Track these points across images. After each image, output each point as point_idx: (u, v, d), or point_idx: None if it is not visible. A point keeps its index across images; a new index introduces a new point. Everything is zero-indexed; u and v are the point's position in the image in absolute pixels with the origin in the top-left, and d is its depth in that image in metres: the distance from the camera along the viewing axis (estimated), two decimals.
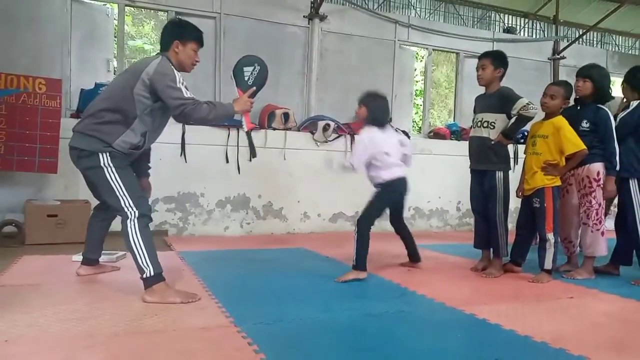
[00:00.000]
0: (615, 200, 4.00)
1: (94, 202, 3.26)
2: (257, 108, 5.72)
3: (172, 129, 4.58)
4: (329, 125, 5.83)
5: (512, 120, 3.60)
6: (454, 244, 5.22)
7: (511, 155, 3.85)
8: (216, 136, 5.42)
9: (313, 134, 5.85)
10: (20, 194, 4.74)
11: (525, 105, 3.46)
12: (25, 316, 2.39)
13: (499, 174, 3.66)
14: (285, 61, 6.20)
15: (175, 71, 2.78)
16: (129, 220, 2.74)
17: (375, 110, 3.64)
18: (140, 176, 3.27)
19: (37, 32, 5.11)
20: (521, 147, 5.11)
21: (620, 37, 8.73)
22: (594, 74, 3.66)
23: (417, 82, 10.01)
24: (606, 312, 2.81)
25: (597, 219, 3.63)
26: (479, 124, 3.72)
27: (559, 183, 3.54)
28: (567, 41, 7.93)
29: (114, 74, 5.62)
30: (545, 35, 8.04)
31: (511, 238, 3.79)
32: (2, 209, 4.70)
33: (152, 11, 7.29)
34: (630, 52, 8.79)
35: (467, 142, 3.93)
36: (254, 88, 3.04)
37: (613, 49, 8.62)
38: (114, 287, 3.01)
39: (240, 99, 2.99)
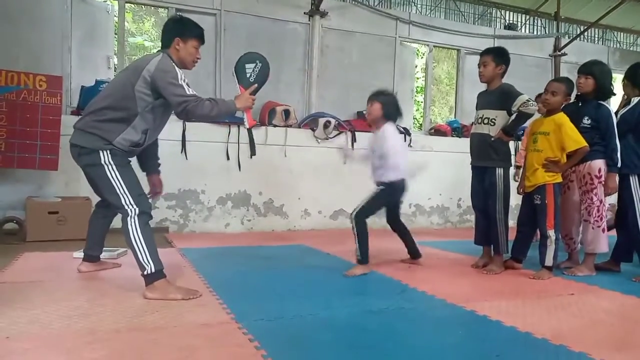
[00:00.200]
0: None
1: (95, 199, 3.26)
2: (258, 105, 5.69)
3: (172, 126, 4.57)
4: (329, 122, 5.83)
5: (513, 117, 3.59)
6: (454, 241, 5.22)
7: (512, 152, 3.84)
8: (217, 133, 5.42)
9: (314, 130, 5.84)
10: (21, 191, 4.74)
11: (525, 102, 3.45)
12: (27, 313, 2.39)
13: (499, 171, 3.65)
14: (286, 58, 6.19)
15: (176, 68, 2.78)
16: (129, 218, 2.75)
17: (390, 106, 3.62)
18: (150, 173, 3.28)
19: (37, 29, 5.11)
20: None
21: (622, 33, 8.71)
22: (595, 71, 3.64)
23: (418, 78, 10.00)
24: (607, 309, 2.81)
25: (598, 216, 3.62)
26: (480, 120, 3.72)
27: (560, 180, 3.54)
28: (569, 38, 7.91)
29: (115, 71, 5.61)
30: (547, 31, 8.02)
31: (512, 235, 3.79)
32: (3, 206, 4.71)
33: (152, 8, 7.29)
34: (631, 48, 8.77)
35: (468, 139, 3.93)
36: (256, 85, 3.04)
37: (614, 46, 8.60)
38: (115, 283, 3.01)
39: (242, 95, 2.98)
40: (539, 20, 8.05)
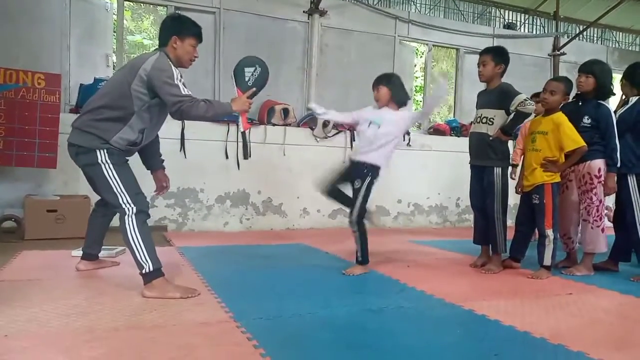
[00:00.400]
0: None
1: (94, 198, 3.26)
2: (258, 103, 5.71)
3: (171, 125, 4.57)
4: (328, 121, 5.82)
5: (511, 116, 3.59)
6: (453, 240, 5.22)
7: (510, 151, 3.84)
8: (216, 132, 5.42)
9: (313, 129, 5.84)
10: (20, 189, 4.74)
11: (522, 101, 3.45)
12: (25, 311, 2.39)
13: (497, 170, 3.65)
14: (285, 57, 6.19)
15: (173, 67, 2.76)
16: (126, 217, 2.75)
17: (399, 88, 3.56)
18: (155, 169, 3.28)
19: (36, 27, 5.09)
20: None
21: (621, 33, 8.72)
22: (596, 70, 3.64)
23: (417, 78, 9.99)
24: (605, 309, 2.81)
25: (598, 216, 3.63)
26: (479, 119, 3.72)
27: (558, 179, 3.54)
28: (568, 37, 7.91)
29: (113, 69, 5.60)
30: (546, 31, 8.02)
31: (510, 234, 3.79)
32: (2, 204, 4.70)
33: (151, 6, 7.27)
34: (630, 48, 8.78)
35: (467, 138, 3.92)
36: (254, 89, 3.01)
37: (613, 45, 8.61)
38: (114, 282, 3.01)
39: (239, 98, 2.96)
40: (538, 20, 8.06)
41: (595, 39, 8.50)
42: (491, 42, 7.02)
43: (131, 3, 6.39)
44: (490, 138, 3.63)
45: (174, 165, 5.16)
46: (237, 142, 5.46)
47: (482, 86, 3.84)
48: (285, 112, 5.77)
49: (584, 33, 8.06)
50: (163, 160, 3.31)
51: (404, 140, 6.12)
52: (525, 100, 3.46)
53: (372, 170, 3.44)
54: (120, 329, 2.20)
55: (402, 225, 6.39)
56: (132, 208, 2.76)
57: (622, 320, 2.65)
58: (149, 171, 3.30)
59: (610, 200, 4.00)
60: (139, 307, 2.52)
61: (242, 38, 5.90)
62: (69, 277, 3.15)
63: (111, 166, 2.77)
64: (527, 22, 7.99)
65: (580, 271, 3.65)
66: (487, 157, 3.67)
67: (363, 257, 3.49)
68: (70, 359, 1.87)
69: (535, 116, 3.83)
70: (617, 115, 3.66)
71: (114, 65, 5.65)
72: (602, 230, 3.64)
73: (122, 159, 2.86)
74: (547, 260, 3.50)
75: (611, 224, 3.91)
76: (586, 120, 3.61)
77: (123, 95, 2.75)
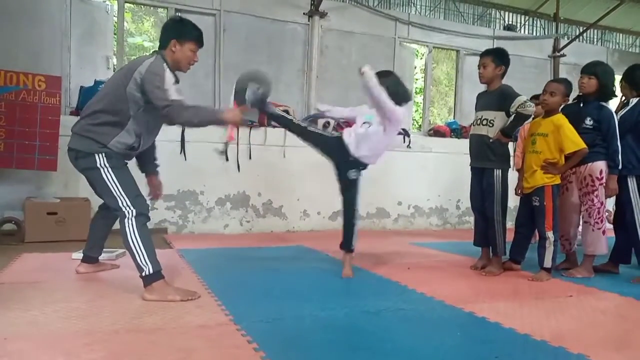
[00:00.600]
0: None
1: (94, 200, 3.27)
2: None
3: (171, 127, 4.56)
4: (328, 122, 5.81)
5: (511, 118, 3.59)
6: (453, 242, 5.22)
7: (510, 153, 3.83)
8: (216, 134, 5.40)
9: None
10: (20, 192, 4.73)
11: (522, 103, 3.43)
12: (25, 314, 2.39)
13: (497, 172, 3.64)
14: (286, 58, 6.19)
15: (167, 72, 2.74)
16: (126, 220, 2.74)
17: (395, 87, 3.47)
18: (149, 174, 3.27)
19: (36, 28, 5.10)
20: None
21: (621, 34, 8.72)
22: (599, 71, 3.64)
23: (417, 79, 9.99)
24: (605, 311, 2.81)
25: (599, 218, 3.62)
26: (479, 121, 3.71)
27: (558, 181, 3.53)
28: (568, 39, 7.91)
29: (114, 71, 5.60)
30: (546, 32, 8.02)
31: (510, 236, 3.78)
32: (2, 207, 4.70)
33: (151, 8, 7.28)
34: (630, 49, 8.78)
35: (467, 140, 3.92)
36: (249, 107, 2.95)
37: (613, 47, 8.61)
38: (114, 285, 3.01)
39: (234, 110, 2.93)
40: (538, 21, 8.06)
41: (595, 40, 8.51)
42: (491, 43, 7.02)
43: (131, 5, 6.40)
44: (491, 140, 3.62)
45: (174, 168, 5.19)
46: (238, 144, 5.46)
47: (482, 88, 3.84)
48: (286, 114, 5.75)
49: (584, 34, 8.07)
50: (158, 166, 3.31)
51: (404, 142, 6.12)
52: (525, 102, 3.45)
53: (362, 169, 3.48)
54: (120, 331, 2.20)
55: (402, 227, 6.39)
56: (132, 211, 2.75)
57: (622, 322, 2.64)
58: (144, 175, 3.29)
59: (611, 203, 3.99)
60: (139, 310, 2.51)
61: (243, 40, 5.91)
62: (69, 279, 3.15)
63: (110, 170, 2.77)
64: (527, 23, 7.99)
65: (581, 273, 3.64)
66: (487, 159, 3.66)
67: (353, 246, 3.48)
68: None
69: (534, 118, 3.83)
70: (619, 117, 3.66)
71: (114, 67, 5.65)
72: (603, 232, 3.63)
73: (121, 162, 2.85)
74: (548, 263, 3.49)
75: (611, 226, 3.90)
76: (588, 122, 3.60)
77: (119, 98, 2.75)
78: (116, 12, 5.67)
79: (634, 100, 3.67)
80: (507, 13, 7.87)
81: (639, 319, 2.71)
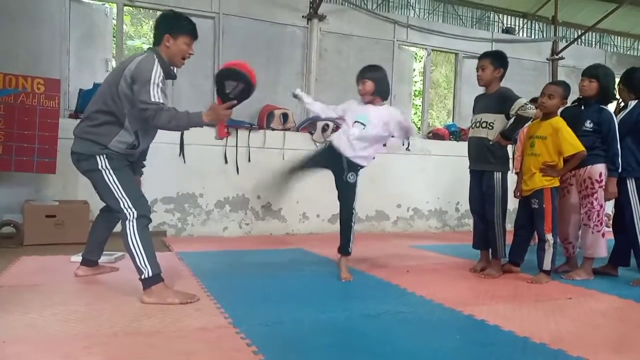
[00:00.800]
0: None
1: (93, 203, 3.27)
2: (256, 109, 5.72)
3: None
4: (327, 125, 5.83)
5: (511, 120, 3.59)
6: (452, 245, 5.22)
7: (510, 155, 3.84)
8: (215, 136, 5.42)
9: (312, 134, 5.85)
10: (19, 195, 4.73)
11: (523, 106, 3.44)
12: (23, 317, 2.38)
13: (497, 175, 3.64)
14: (284, 61, 6.20)
15: (155, 71, 2.67)
16: (127, 221, 2.74)
17: (383, 83, 3.49)
18: (136, 175, 3.26)
19: (35, 31, 5.10)
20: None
21: (619, 37, 8.74)
22: (600, 74, 3.64)
23: (415, 82, 9.99)
24: (605, 313, 2.81)
25: (598, 220, 3.62)
26: (478, 124, 3.71)
27: (557, 184, 3.54)
28: (566, 42, 7.93)
29: None
30: (544, 35, 8.04)
31: (510, 239, 3.78)
32: (1, 209, 4.69)
33: (150, 11, 7.28)
34: (628, 52, 8.80)
35: (466, 142, 3.92)
36: (235, 102, 2.84)
37: (612, 50, 8.63)
38: (113, 287, 3.00)
39: (214, 109, 2.82)
40: (537, 24, 8.08)
41: (593, 43, 8.53)
42: (490, 46, 7.03)
43: (130, 8, 6.40)
44: (490, 143, 3.62)
45: (173, 170, 5.20)
46: (237, 147, 5.46)
47: (481, 90, 3.85)
48: (285, 116, 5.77)
49: (583, 37, 8.08)
50: (144, 166, 3.29)
51: (403, 145, 6.12)
52: (525, 104, 3.45)
53: (359, 170, 3.48)
54: (119, 334, 2.19)
55: (401, 229, 6.39)
56: (133, 212, 2.75)
57: (621, 324, 2.64)
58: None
59: (610, 206, 4.00)
60: (138, 313, 2.51)
61: (241, 43, 5.91)
62: (67, 282, 3.14)
63: (111, 171, 2.77)
64: (525, 26, 8.01)
65: (580, 276, 3.64)
66: (486, 161, 3.67)
67: (350, 249, 3.51)
68: None
69: (532, 120, 3.83)
70: (618, 119, 3.67)
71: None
72: (603, 235, 3.64)
73: (122, 163, 2.85)
74: (547, 265, 3.49)
75: (610, 229, 3.91)
76: (588, 125, 3.61)
77: (113, 96, 2.74)
78: (115, 15, 5.67)
79: (632, 103, 3.68)
80: (505, 16, 7.90)
81: (639, 322, 2.71)
